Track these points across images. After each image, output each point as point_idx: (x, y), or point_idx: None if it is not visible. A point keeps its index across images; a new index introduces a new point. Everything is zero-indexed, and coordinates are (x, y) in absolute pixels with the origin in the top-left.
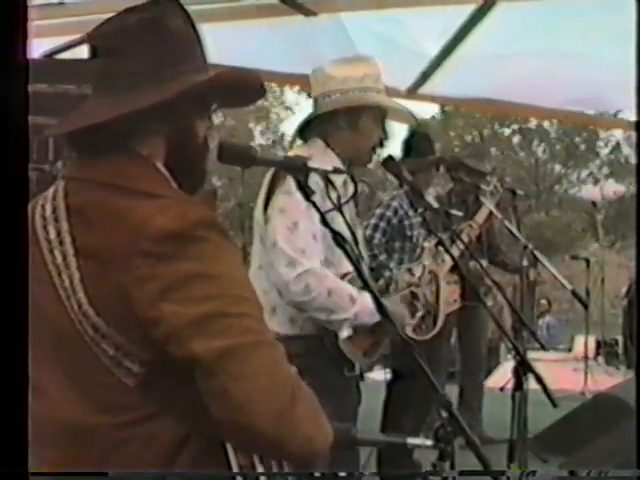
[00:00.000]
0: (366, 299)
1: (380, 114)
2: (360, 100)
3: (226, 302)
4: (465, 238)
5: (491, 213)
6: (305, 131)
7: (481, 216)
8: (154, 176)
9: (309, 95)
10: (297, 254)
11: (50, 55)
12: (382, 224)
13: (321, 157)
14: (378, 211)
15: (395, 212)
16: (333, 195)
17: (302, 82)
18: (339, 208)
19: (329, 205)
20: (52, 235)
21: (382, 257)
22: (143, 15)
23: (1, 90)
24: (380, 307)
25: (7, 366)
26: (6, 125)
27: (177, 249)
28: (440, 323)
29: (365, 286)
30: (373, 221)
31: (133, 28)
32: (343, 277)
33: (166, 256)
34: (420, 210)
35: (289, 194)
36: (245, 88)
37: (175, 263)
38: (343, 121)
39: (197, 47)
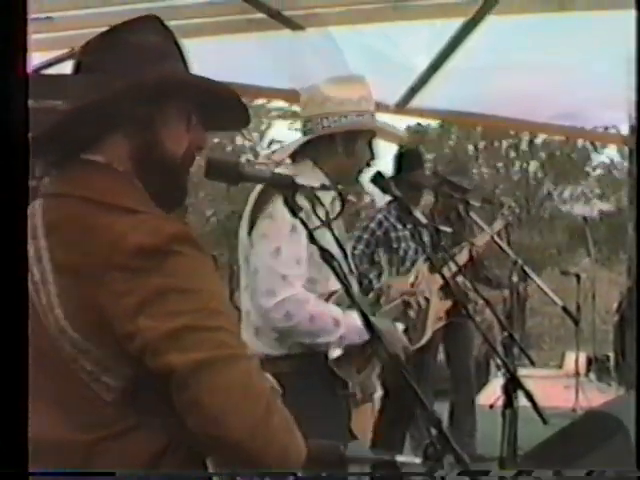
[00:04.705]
0: (353, 319)
1: (371, 135)
2: (363, 124)
3: (201, 316)
4: (463, 257)
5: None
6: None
7: (482, 237)
8: (131, 191)
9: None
10: (277, 282)
11: (38, 70)
12: (365, 235)
13: (309, 175)
14: (363, 223)
15: (379, 224)
16: (321, 212)
17: (290, 97)
18: (328, 225)
19: (316, 223)
20: (30, 253)
21: (363, 267)
22: (113, 33)
23: (1, 102)
24: (369, 325)
25: (7, 366)
26: (7, 133)
27: (152, 264)
28: (426, 337)
29: (354, 304)
30: (356, 233)
31: (101, 46)
32: (330, 296)
33: (142, 271)
34: (409, 226)
35: (271, 218)
36: (216, 97)
37: (151, 278)
38: (340, 145)
39: (174, 61)
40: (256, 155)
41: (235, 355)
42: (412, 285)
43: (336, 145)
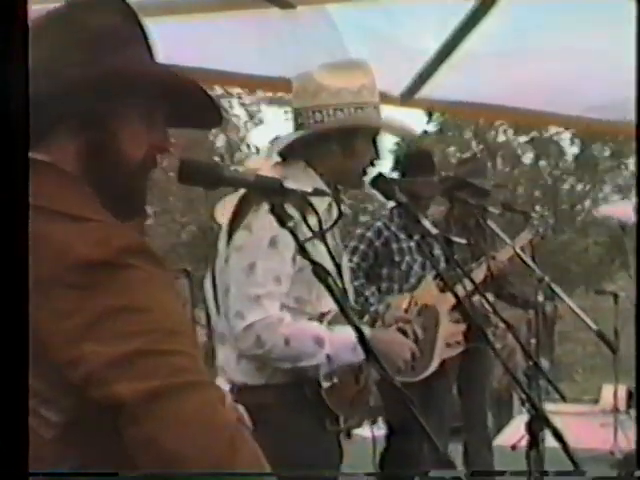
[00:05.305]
0: (342, 335)
1: (373, 132)
2: (361, 120)
3: (155, 338)
4: (481, 274)
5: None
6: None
7: (506, 252)
8: (79, 196)
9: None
10: (248, 303)
11: None
12: (361, 246)
13: (301, 178)
14: (358, 232)
15: (378, 234)
16: (312, 221)
17: (280, 86)
18: (322, 235)
19: (307, 233)
20: None
21: (357, 283)
22: (63, 11)
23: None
24: (366, 347)
25: (6, 366)
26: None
27: (100, 279)
28: (433, 366)
29: (349, 324)
30: (352, 243)
31: (49, 27)
32: (322, 317)
33: (88, 287)
34: (416, 237)
35: (249, 230)
36: (184, 95)
37: (98, 295)
38: (336, 143)
39: (136, 47)
40: (237, 155)
41: (194, 383)
42: (406, 310)
43: (331, 143)
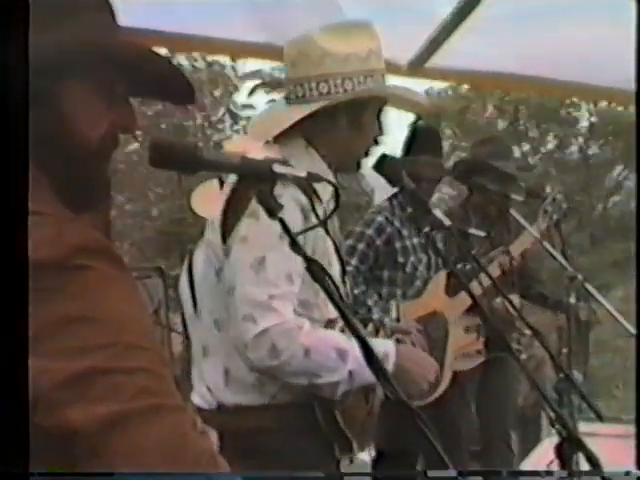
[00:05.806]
0: None
1: (382, 104)
2: (379, 90)
3: (114, 353)
4: (495, 270)
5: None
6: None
7: (521, 244)
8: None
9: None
10: (259, 305)
11: None
12: (360, 246)
13: (302, 159)
14: (357, 229)
15: (379, 230)
16: (320, 211)
17: (266, 53)
18: (324, 227)
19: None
20: None
21: (357, 290)
22: None
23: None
24: (372, 360)
25: (6, 366)
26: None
27: (51, 284)
28: (445, 384)
29: (353, 333)
30: (349, 242)
31: None
32: (330, 323)
33: (36, 293)
34: (426, 229)
35: (255, 217)
36: (150, 68)
37: (48, 302)
38: (344, 117)
39: (95, 12)
40: (218, 134)
41: (159, 405)
42: (397, 320)
43: (338, 117)
